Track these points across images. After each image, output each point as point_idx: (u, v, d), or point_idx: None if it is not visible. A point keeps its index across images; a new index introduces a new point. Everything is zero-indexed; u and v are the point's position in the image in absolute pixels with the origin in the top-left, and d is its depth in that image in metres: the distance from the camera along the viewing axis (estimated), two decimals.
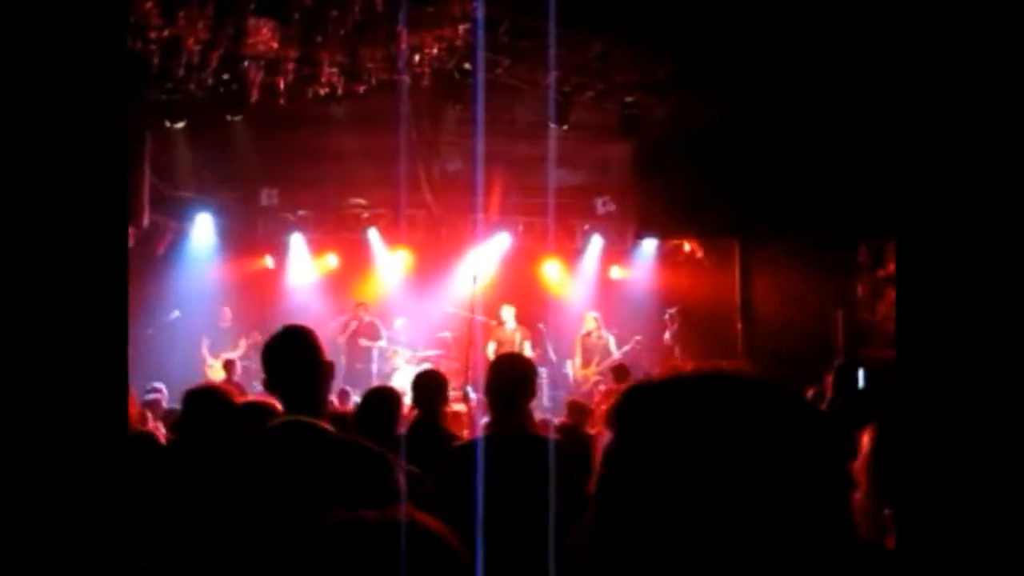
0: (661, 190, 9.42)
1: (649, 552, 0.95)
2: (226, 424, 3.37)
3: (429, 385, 3.86)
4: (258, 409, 3.55)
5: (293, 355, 2.15)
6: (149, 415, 4.98)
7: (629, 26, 7.38)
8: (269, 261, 11.15)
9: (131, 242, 9.54)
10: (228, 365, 9.37)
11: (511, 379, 3.01)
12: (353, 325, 10.14)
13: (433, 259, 10.75)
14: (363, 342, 9.96)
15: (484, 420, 5.51)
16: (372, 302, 10.74)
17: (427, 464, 3.24)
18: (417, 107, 7.65)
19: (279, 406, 3.70)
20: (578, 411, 6.15)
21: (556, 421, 5.52)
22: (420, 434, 3.54)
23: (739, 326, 8.87)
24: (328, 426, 2.13)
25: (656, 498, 0.94)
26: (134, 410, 4.52)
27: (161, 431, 4.71)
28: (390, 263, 11.00)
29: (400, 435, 3.47)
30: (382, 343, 10.08)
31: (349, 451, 1.98)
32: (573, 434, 4.87)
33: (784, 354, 7.60)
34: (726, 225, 8.84)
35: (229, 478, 2.06)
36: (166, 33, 4.91)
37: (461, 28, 5.31)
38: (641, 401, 1.00)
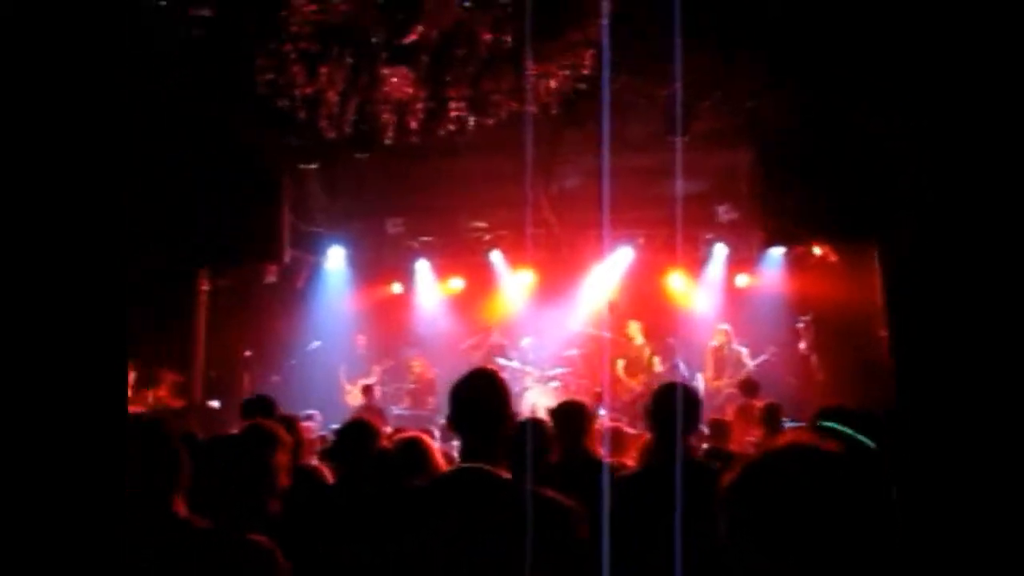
0: (787, 194, 9.11)
1: None
2: (373, 452, 3.55)
3: (568, 415, 3.87)
4: (412, 446, 3.71)
5: (479, 400, 2.19)
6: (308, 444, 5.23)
7: (746, 31, 7.21)
8: (397, 287, 11.55)
9: (274, 278, 10.14)
10: (367, 390, 9.75)
11: (674, 410, 2.99)
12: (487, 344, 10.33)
13: (556, 277, 10.82)
14: (498, 360, 10.10)
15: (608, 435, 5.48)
16: (498, 323, 10.90)
17: (580, 495, 3.25)
18: (536, 130, 7.76)
19: (430, 442, 3.85)
20: (719, 430, 6.04)
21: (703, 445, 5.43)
22: (569, 465, 3.56)
23: (883, 332, 8.43)
24: (507, 474, 2.17)
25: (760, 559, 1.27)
26: (294, 439, 4.77)
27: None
28: (514, 283, 11.15)
29: (551, 465, 3.51)
30: (514, 363, 10.19)
31: (534, 503, 2.00)
32: (719, 456, 4.79)
33: None
34: (863, 226, 8.44)
35: (411, 524, 2.14)
36: (309, 90, 5.23)
37: (586, 54, 5.36)
38: (736, 493, 1.33)
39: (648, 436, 4.27)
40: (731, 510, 1.31)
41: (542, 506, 2.04)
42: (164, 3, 4.31)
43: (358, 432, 3.63)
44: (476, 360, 9.92)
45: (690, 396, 3.10)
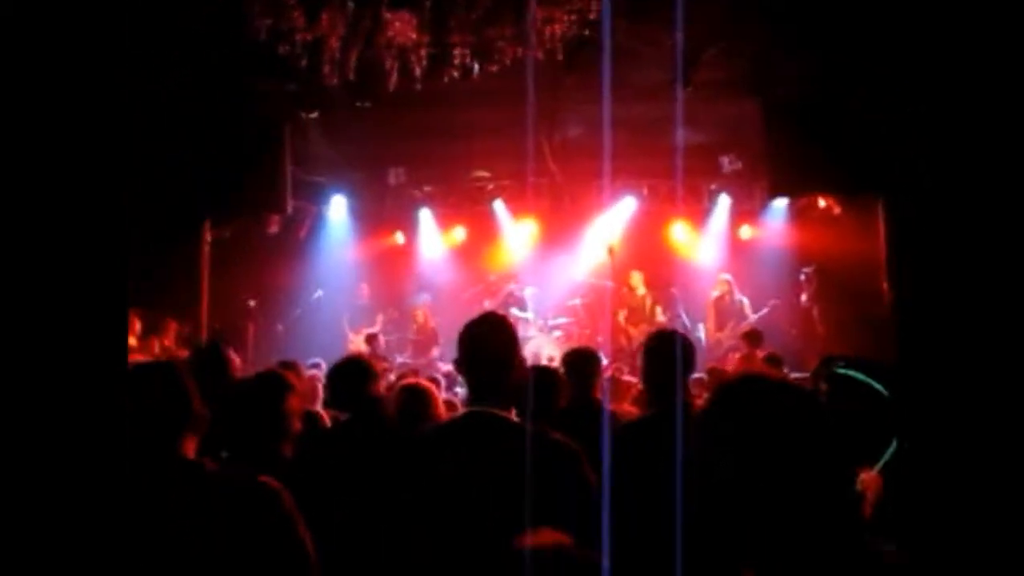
0: (793, 145, 9.02)
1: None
2: (371, 392, 3.50)
3: (580, 362, 3.91)
4: (417, 394, 3.72)
5: (488, 344, 2.19)
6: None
7: None
8: (400, 237, 11.53)
9: (276, 228, 10.12)
10: (371, 339, 9.81)
11: (669, 360, 3.01)
12: (503, 294, 10.29)
13: (559, 227, 10.79)
14: (514, 312, 10.08)
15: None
16: (501, 272, 10.89)
17: (586, 441, 3.30)
18: (540, 78, 7.66)
19: (433, 389, 3.87)
20: (720, 380, 6.08)
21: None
22: (578, 411, 3.60)
23: (885, 286, 8.44)
24: (514, 416, 2.20)
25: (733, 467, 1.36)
26: (303, 385, 4.80)
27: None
28: (517, 233, 11.13)
29: (560, 411, 3.55)
30: (529, 315, 10.21)
31: (539, 443, 2.03)
32: None
33: None
34: (867, 179, 8.38)
35: (422, 466, 2.17)
36: (310, 36, 5.15)
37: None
38: (719, 406, 1.42)
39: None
40: (711, 426, 1.40)
41: (550, 447, 2.07)
42: None
43: (353, 370, 3.48)
44: (491, 308, 9.85)
45: (685, 342, 3.13)
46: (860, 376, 2.28)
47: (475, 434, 2.11)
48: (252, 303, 9.90)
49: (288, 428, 2.70)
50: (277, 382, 2.77)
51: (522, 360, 2.27)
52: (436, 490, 2.07)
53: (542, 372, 3.50)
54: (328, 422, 4.24)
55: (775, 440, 1.35)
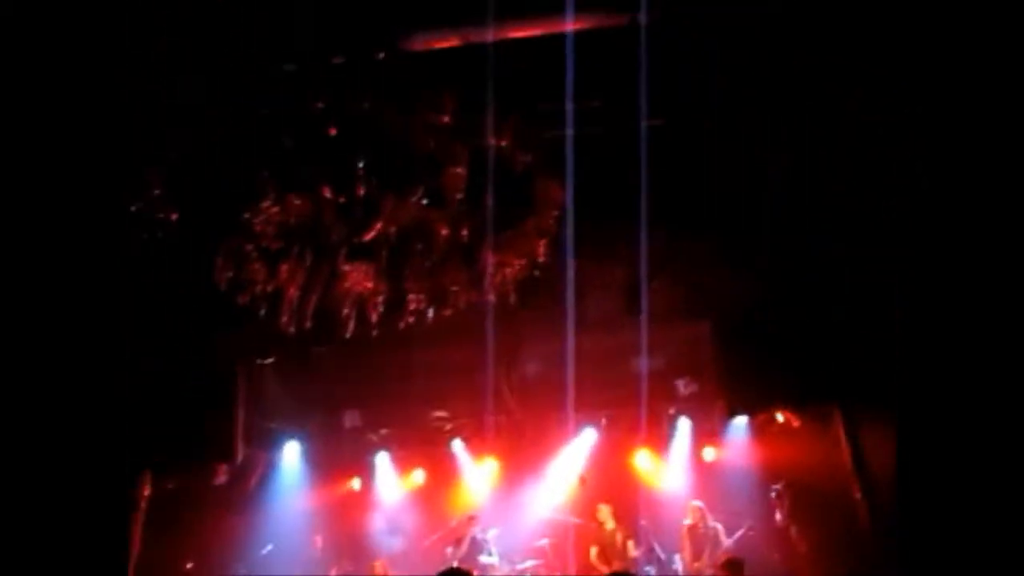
0: (745, 363, 9.24)
1: None
2: None
3: None
4: None
5: None
6: None
7: (690, 215, 7.60)
8: (356, 483, 11.08)
9: (224, 479, 9.64)
10: None
11: None
12: (467, 540, 9.73)
13: (520, 464, 10.54)
14: (481, 559, 9.49)
15: None
16: (461, 515, 10.39)
17: None
18: (494, 319, 7.86)
19: None
20: None
21: None
22: None
23: (858, 495, 8.29)
24: None
25: None
26: None
27: None
28: (478, 473, 10.81)
29: None
30: (494, 559, 9.62)
31: None
32: None
33: None
34: (821, 389, 8.54)
35: None
36: (270, 287, 5.28)
37: (540, 243, 5.57)
38: None
39: None
40: None
41: None
42: (134, 209, 4.42)
43: None
44: (454, 555, 9.29)
45: None
46: None
47: None
48: (190, 566, 9.14)
49: None
50: None
51: None
52: None
53: None
54: None
55: None
